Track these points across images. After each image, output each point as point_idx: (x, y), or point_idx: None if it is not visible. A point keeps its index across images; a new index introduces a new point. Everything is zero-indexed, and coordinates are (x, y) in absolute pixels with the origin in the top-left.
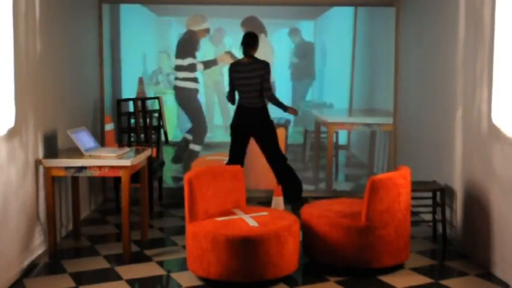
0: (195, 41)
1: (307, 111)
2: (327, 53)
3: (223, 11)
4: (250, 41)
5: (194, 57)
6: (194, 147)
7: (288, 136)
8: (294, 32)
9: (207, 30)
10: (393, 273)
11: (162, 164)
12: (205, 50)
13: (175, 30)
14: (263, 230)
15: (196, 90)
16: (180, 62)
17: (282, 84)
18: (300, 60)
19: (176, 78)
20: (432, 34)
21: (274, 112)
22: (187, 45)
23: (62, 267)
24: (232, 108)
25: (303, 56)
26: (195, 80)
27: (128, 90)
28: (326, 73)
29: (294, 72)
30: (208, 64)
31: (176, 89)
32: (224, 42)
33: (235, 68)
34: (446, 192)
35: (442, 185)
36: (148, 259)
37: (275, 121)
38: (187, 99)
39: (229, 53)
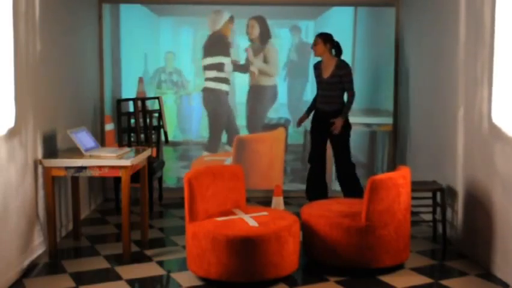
0: (222, 39)
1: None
2: None
3: (224, 11)
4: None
5: (225, 56)
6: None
7: (288, 136)
8: (295, 29)
9: (230, 22)
10: (393, 273)
11: (162, 164)
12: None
13: (179, 30)
14: (263, 230)
15: (226, 92)
16: (209, 60)
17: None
18: (294, 59)
19: (206, 79)
20: (432, 34)
21: (274, 112)
22: (214, 46)
23: (62, 267)
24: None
25: (299, 56)
26: (225, 80)
27: (128, 90)
28: None
29: (289, 71)
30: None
31: (205, 90)
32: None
33: None
34: (447, 192)
35: (442, 185)
36: (148, 259)
37: (275, 121)
38: (218, 100)
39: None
